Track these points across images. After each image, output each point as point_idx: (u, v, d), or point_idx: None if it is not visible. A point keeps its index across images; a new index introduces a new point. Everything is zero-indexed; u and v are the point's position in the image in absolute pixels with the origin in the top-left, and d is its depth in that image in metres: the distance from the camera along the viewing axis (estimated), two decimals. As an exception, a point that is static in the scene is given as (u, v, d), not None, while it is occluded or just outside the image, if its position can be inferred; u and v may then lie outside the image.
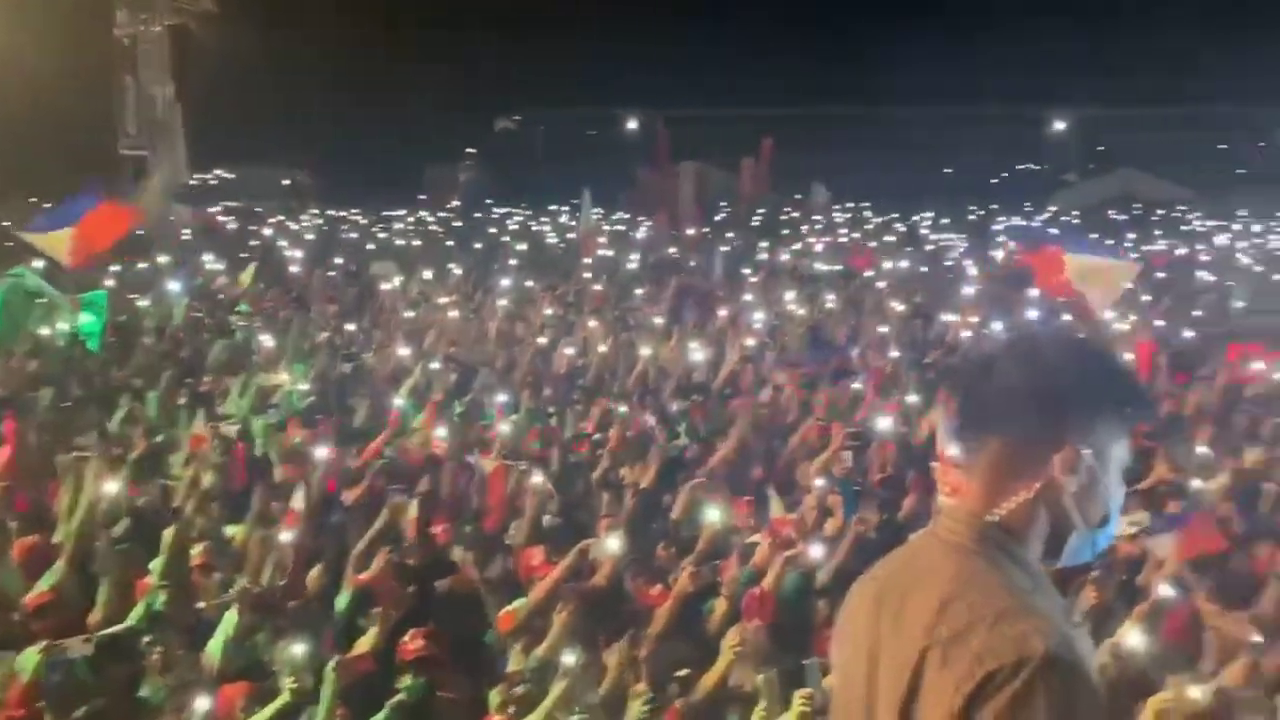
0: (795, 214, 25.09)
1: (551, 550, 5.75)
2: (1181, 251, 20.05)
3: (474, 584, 5.62)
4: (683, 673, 4.76)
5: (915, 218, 26.69)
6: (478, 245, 20.65)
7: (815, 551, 5.70)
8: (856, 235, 22.83)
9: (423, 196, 34.02)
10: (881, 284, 15.07)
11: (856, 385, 9.61)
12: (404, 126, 38.34)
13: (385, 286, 14.36)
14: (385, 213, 27.51)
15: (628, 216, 25.49)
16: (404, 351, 10.30)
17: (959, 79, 37.75)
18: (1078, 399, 1.64)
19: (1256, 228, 24.51)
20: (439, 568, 5.86)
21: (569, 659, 4.68)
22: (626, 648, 4.73)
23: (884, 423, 8.13)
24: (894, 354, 10.94)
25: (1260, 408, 9.40)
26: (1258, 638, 4.93)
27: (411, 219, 27.41)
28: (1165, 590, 5.10)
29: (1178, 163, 33.31)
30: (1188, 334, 12.11)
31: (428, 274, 15.34)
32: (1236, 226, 24.54)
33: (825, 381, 9.82)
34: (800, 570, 5.63)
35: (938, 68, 37.13)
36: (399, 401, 8.62)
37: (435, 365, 9.85)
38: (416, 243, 21.37)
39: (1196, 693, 4.29)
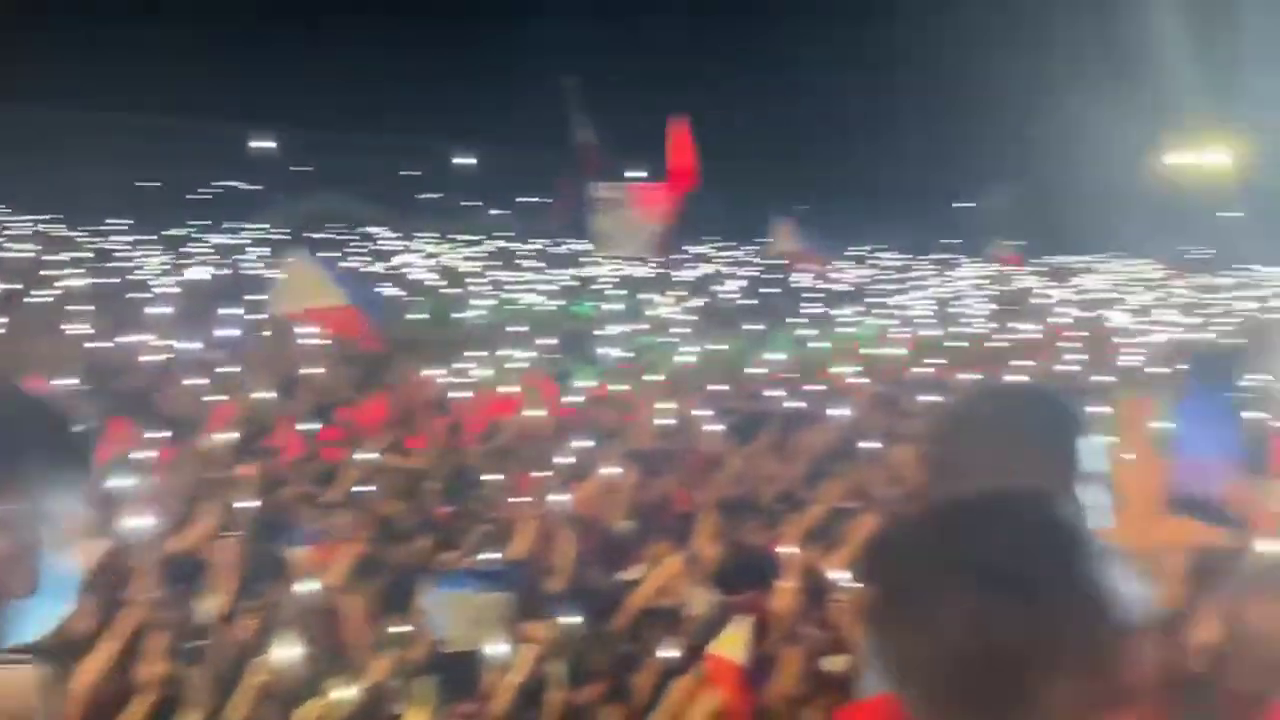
0: None
1: None
2: (375, 268, 21.64)
3: None
4: None
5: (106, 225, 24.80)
6: None
7: None
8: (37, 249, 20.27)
9: None
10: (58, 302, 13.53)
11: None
12: None
13: None
14: None
15: None
16: None
17: (162, 87, 35.76)
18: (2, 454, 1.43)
19: (432, 247, 27.61)
20: None
21: None
22: None
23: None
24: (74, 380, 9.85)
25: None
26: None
27: None
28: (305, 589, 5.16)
29: (372, 185, 36.04)
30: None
31: None
32: (416, 246, 27.38)
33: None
34: None
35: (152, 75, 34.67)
36: None
37: None
38: None
39: (350, 693, 4.51)
